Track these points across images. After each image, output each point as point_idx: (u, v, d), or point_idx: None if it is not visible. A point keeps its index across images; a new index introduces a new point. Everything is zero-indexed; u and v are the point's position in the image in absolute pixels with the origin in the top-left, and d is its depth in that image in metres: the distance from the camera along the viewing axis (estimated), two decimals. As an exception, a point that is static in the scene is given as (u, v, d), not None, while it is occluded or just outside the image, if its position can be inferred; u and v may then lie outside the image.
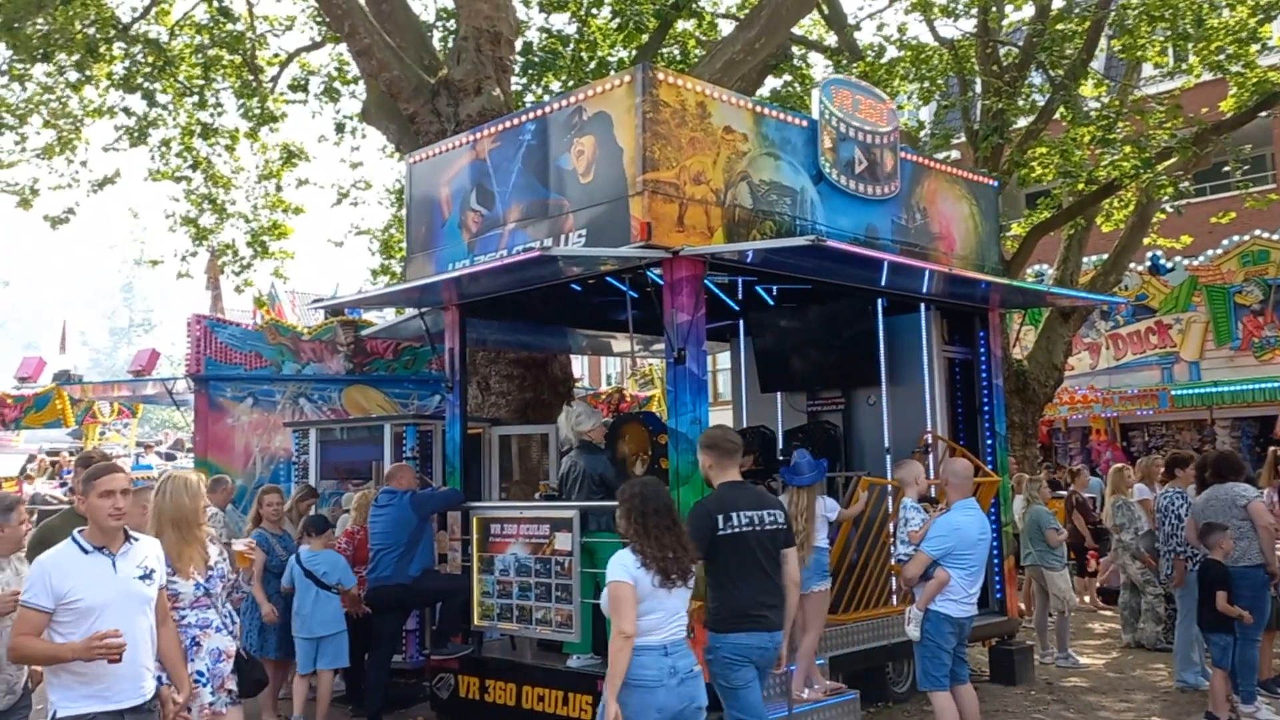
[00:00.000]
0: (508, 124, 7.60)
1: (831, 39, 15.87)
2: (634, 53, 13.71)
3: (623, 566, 4.28)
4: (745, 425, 10.31)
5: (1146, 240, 16.00)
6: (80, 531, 4.00)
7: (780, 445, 9.43)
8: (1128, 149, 12.94)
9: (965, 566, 5.98)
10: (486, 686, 7.29)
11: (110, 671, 3.77)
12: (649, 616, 4.22)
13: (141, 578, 4.01)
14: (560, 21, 15.01)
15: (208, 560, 4.86)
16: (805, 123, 7.52)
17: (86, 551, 3.94)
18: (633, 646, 4.14)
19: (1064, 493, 12.70)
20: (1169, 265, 19.60)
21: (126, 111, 14.82)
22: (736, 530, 4.84)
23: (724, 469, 5.04)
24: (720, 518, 4.85)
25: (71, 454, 23.29)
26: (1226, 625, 7.04)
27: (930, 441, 8.71)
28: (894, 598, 8.03)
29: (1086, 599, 13.06)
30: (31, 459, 21.47)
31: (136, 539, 4.12)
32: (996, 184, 9.74)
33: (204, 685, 4.71)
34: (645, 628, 4.21)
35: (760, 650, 4.83)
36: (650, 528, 4.33)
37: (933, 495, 7.39)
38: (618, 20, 13.52)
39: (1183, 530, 8.04)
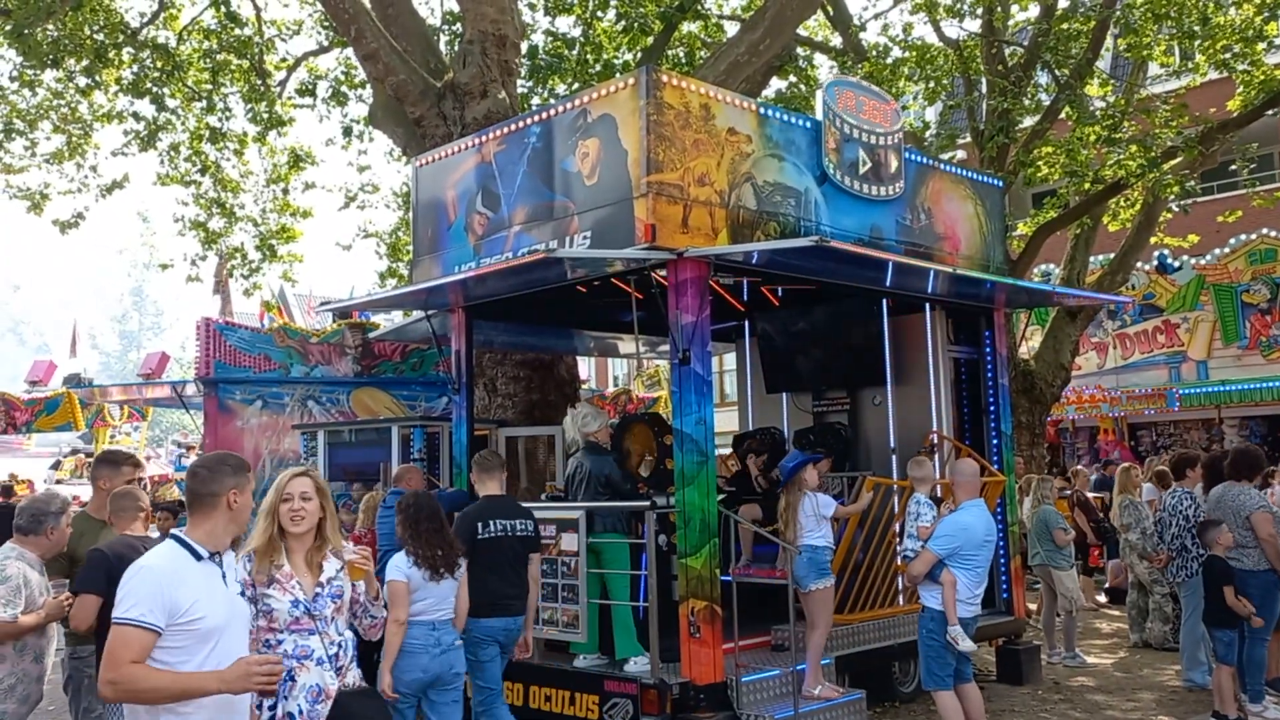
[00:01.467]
0: (513, 127, 7.64)
1: (836, 40, 15.88)
2: (639, 55, 13.75)
3: (397, 568, 5.26)
4: (752, 425, 10.34)
5: (1153, 239, 15.96)
6: (183, 530, 3.26)
7: (789, 446, 9.45)
8: (1134, 148, 12.93)
9: (970, 567, 5.99)
10: (494, 686, 7.31)
11: (236, 708, 3.18)
12: (422, 602, 5.21)
13: (241, 593, 3.36)
14: (565, 24, 15.12)
15: (320, 573, 3.75)
16: (809, 124, 7.55)
17: (200, 558, 3.18)
18: (405, 629, 5.13)
19: (1067, 491, 12.70)
20: (1176, 264, 19.55)
21: (135, 116, 14.94)
22: (493, 535, 5.90)
23: (485, 484, 6.21)
24: (480, 524, 5.91)
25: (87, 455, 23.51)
26: (1230, 621, 7.03)
27: (936, 441, 8.72)
28: (900, 598, 8.04)
29: (1101, 598, 13.06)
30: (60, 459, 21.64)
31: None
32: (1001, 184, 9.75)
33: None
34: (418, 610, 5.20)
35: (505, 632, 5.84)
36: (421, 532, 5.34)
37: (938, 495, 7.40)
38: (622, 23, 13.57)
39: (1190, 530, 8.03)
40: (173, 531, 3.26)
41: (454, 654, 5.30)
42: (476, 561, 5.67)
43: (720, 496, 7.00)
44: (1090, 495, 13.55)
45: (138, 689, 2.96)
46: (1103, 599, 13.14)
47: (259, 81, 15.08)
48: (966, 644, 5.91)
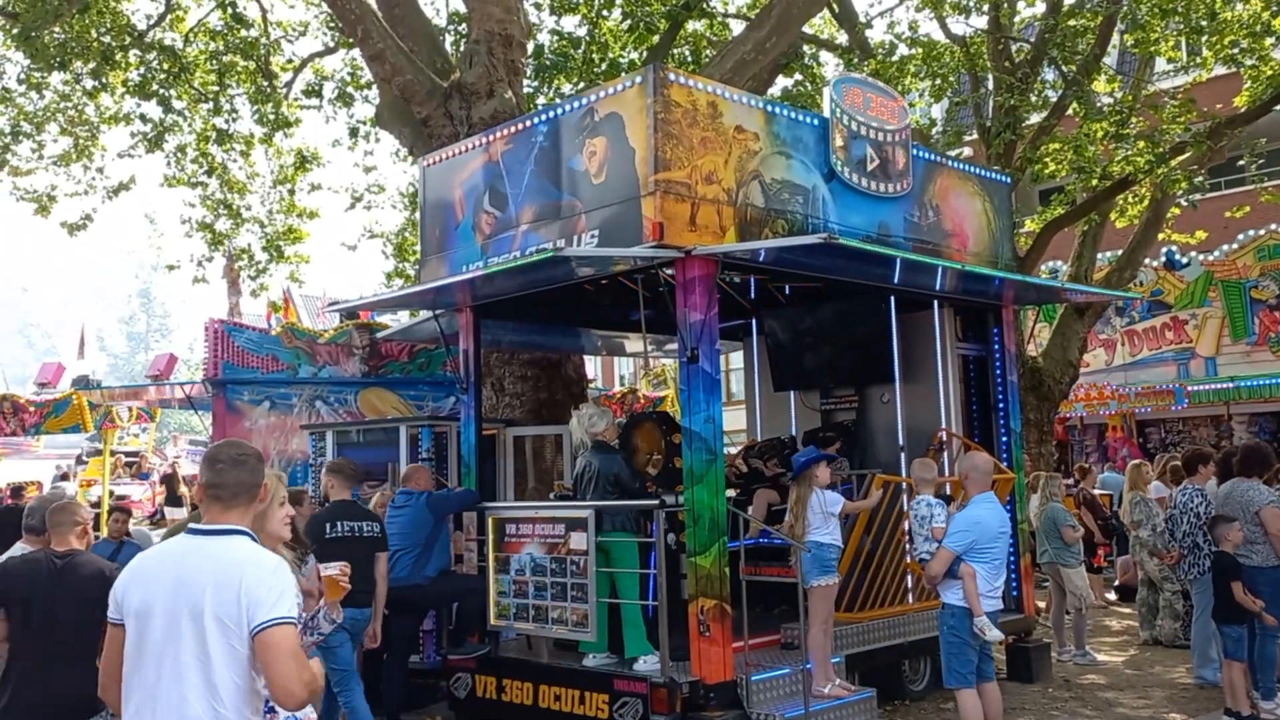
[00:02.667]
0: (520, 126, 7.64)
1: (842, 38, 15.84)
2: (645, 54, 13.74)
3: None
4: (760, 423, 10.36)
5: (1161, 235, 15.90)
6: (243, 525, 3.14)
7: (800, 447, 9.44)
8: (1141, 144, 12.87)
9: (988, 560, 5.94)
10: (503, 686, 7.32)
11: None
12: None
13: None
14: (571, 24, 15.11)
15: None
16: (816, 121, 7.53)
17: None
18: None
19: (1074, 489, 12.67)
20: (1184, 260, 19.47)
21: (142, 118, 14.95)
22: (340, 535, 6.66)
23: (339, 490, 7.01)
24: (329, 525, 6.70)
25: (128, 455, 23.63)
26: (1240, 617, 7.01)
27: (945, 439, 8.71)
28: (910, 595, 8.02)
29: (1110, 595, 13.03)
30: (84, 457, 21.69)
31: None
32: (1009, 180, 9.73)
33: None
34: None
35: (353, 621, 6.42)
36: None
37: (946, 493, 7.39)
38: (628, 22, 13.55)
39: (1201, 527, 8.00)
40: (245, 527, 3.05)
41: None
42: (325, 558, 5.79)
43: (731, 493, 7.00)
44: (1098, 493, 13.52)
45: (320, 683, 2.92)
46: (1112, 596, 13.10)
47: (265, 83, 15.10)
48: (994, 633, 5.84)
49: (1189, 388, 18.55)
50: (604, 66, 14.12)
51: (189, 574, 2.84)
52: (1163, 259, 19.43)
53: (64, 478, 21.65)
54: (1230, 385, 18.11)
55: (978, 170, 9.22)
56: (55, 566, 4.47)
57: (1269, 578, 7.19)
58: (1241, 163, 14.99)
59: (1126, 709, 7.70)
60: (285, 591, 2.82)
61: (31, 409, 14.92)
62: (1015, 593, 8.82)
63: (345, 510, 6.91)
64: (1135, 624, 10.69)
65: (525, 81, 11.96)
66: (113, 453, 19.88)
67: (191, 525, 3.03)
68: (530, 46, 12.74)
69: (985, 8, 14.31)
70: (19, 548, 4.94)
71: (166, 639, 2.79)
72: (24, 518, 5.08)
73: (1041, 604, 10.36)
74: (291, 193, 16.12)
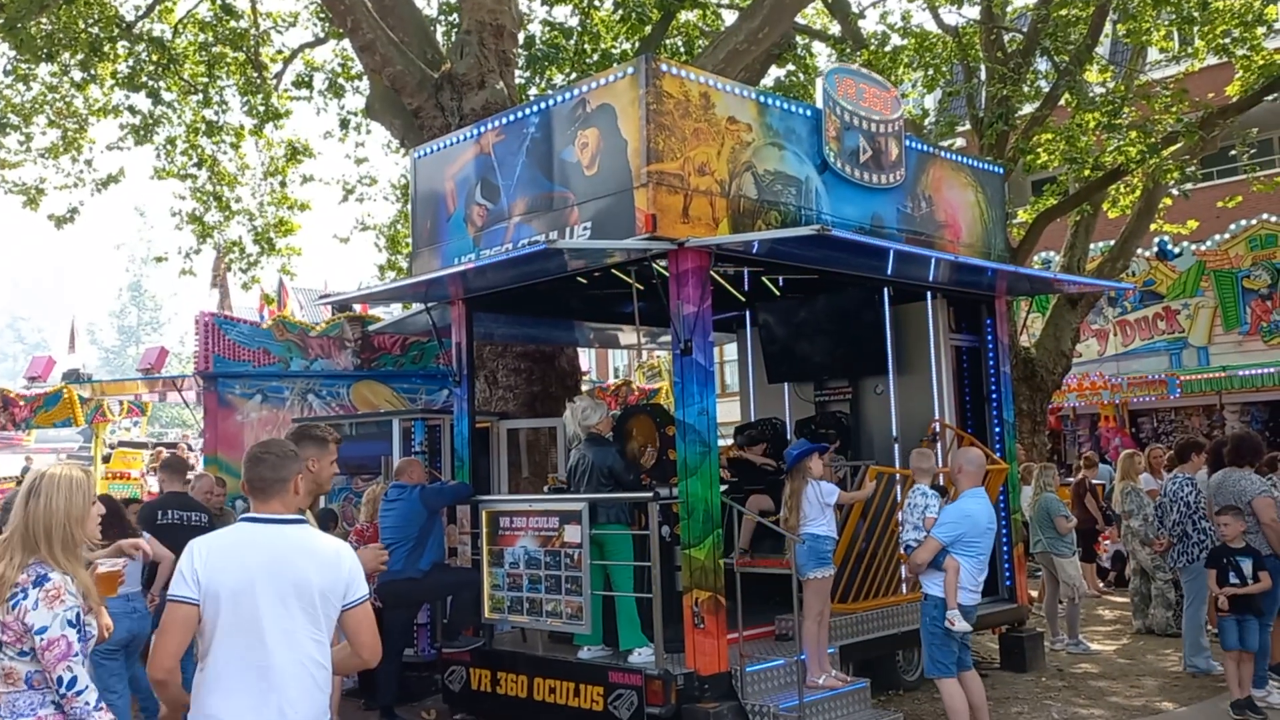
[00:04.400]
0: (512, 117, 7.60)
1: (835, 28, 15.81)
2: (637, 44, 13.69)
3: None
4: (754, 416, 10.34)
5: (1153, 226, 15.92)
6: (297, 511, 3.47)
7: (791, 436, 9.44)
8: (1133, 134, 12.89)
9: (973, 554, 6.00)
10: (498, 679, 7.32)
11: None
12: None
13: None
14: (562, 14, 15.04)
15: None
16: (809, 112, 7.51)
17: None
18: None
19: (1070, 480, 12.71)
20: (1176, 250, 19.52)
21: (131, 110, 14.86)
22: (169, 522, 7.09)
23: (172, 483, 7.70)
24: (160, 512, 7.20)
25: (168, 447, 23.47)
26: (1234, 608, 7.03)
27: (938, 430, 8.71)
28: (904, 586, 8.04)
29: (1100, 583, 13.08)
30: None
31: None
32: (1001, 171, 9.72)
33: None
34: None
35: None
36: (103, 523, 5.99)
37: (940, 484, 7.39)
38: (620, 12, 13.49)
39: (1191, 516, 8.02)
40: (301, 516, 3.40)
41: (145, 619, 6.39)
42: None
43: (723, 487, 6.98)
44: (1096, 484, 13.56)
45: None
46: (1102, 585, 13.15)
47: (255, 74, 15.01)
48: (962, 624, 5.95)
49: (1181, 377, 18.59)
50: (596, 57, 14.07)
51: (288, 555, 3.21)
52: (1155, 249, 19.48)
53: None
54: (1222, 375, 18.17)
55: (970, 161, 9.21)
56: None
57: (1262, 565, 7.21)
58: (1233, 152, 15.02)
59: (1119, 698, 7.73)
60: (363, 577, 3.34)
61: (22, 403, 14.86)
62: (1009, 582, 8.84)
63: (176, 500, 7.39)
64: (1128, 613, 10.73)
65: (517, 72, 11.90)
66: (154, 445, 19.77)
67: (255, 515, 3.30)
68: (521, 37, 12.69)
69: (977, -2, 14.30)
70: None
71: (270, 613, 3.13)
72: None
73: (1033, 593, 10.39)
74: (283, 185, 16.05)
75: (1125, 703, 7.59)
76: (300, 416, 10.59)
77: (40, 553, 3.24)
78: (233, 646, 3.11)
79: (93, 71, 13.88)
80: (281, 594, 3.14)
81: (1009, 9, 15.63)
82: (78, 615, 3.20)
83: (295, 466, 3.34)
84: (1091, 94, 13.80)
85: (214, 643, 3.12)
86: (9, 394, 15.12)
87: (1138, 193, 14.80)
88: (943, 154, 8.91)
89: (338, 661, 3.29)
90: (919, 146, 8.58)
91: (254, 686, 3.09)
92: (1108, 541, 13.29)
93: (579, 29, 14.24)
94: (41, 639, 3.13)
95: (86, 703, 3.17)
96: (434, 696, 8.10)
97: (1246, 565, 7.04)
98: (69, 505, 3.32)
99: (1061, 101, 13.75)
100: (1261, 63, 13.08)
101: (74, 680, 3.15)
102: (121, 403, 17.33)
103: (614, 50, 14.19)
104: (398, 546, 7.43)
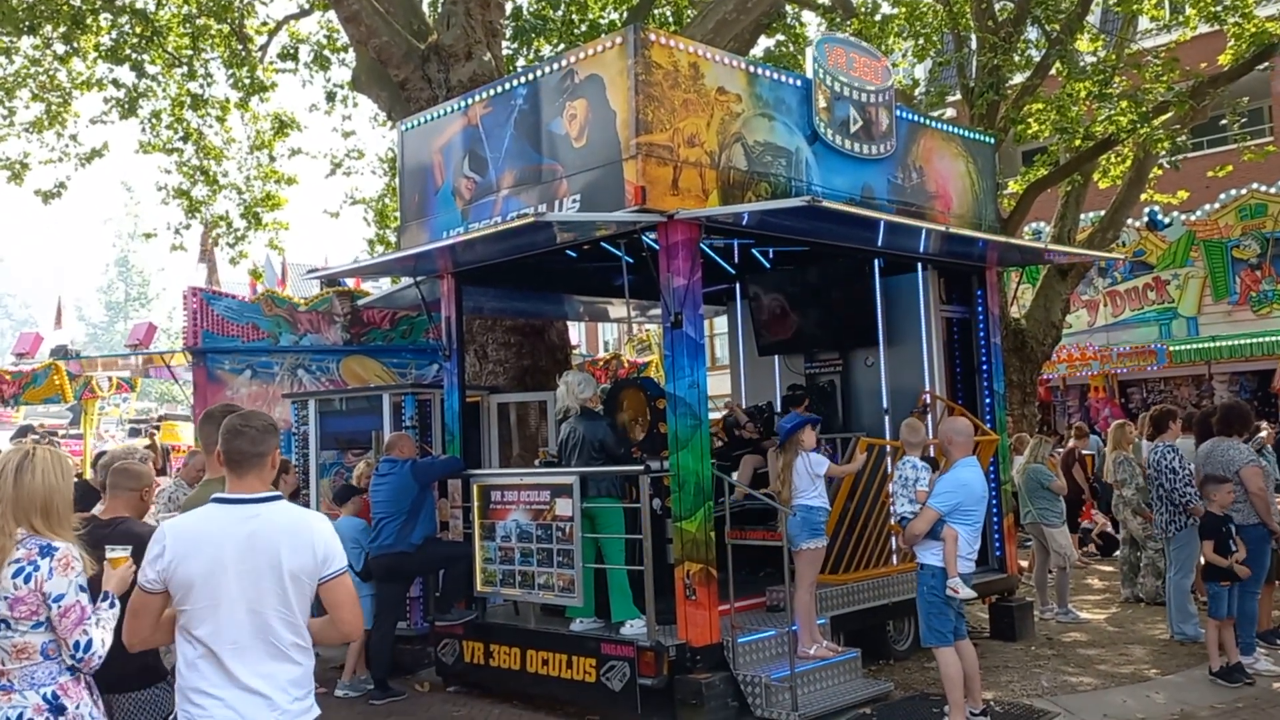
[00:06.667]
0: (499, 89, 7.54)
1: (825, -3, 15.68)
2: (625, 14, 13.57)
3: None
4: (744, 388, 10.37)
5: (1144, 196, 15.91)
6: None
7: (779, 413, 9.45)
8: (1124, 104, 12.84)
9: (970, 522, 5.99)
10: (491, 651, 7.35)
11: None
12: None
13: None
14: (550, -16, 14.80)
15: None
16: (799, 82, 7.46)
17: None
18: None
19: (1059, 449, 12.77)
20: (1166, 221, 19.53)
21: (115, 83, 14.69)
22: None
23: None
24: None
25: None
26: (1220, 575, 7.09)
27: (929, 401, 8.72)
28: (894, 557, 8.07)
29: (1088, 547, 13.17)
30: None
31: None
32: (992, 141, 9.68)
33: None
34: None
35: None
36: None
37: (930, 456, 7.41)
38: (608, -19, 13.37)
39: (1179, 483, 8.05)
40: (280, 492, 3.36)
41: None
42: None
43: (716, 445, 7.02)
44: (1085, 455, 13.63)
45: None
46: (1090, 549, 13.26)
47: (240, 46, 14.83)
48: (967, 591, 5.93)
49: (1170, 347, 18.66)
50: (584, 28, 13.94)
51: (261, 535, 3.13)
52: (1145, 219, 19.48)
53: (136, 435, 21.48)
54: (1211, 344, 18.24)
55: (961, 131, 9.17)
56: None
57: (1249, 536, 7.27)
58: (1224, 122, 14.98)
59: (1108, 665, 7.80)
60: (341, 551, 3.25)
61: (9, 379, 14.78)
62: (999, 552, 8.89)
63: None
64: (1117, 582, 10.80)
65: (504, 44, 11.80)
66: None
67: (226, 495, 3.21)
68: (509, 8, 12.55)
69: (969, -34, 14.17)
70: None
71: (243, 595, 3.08)
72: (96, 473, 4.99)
73: (1023, 563, 10.45)
74: (270, 158, 15.91)
75: (1113, 670, 7.65)
76: (290, 392, 10.55)
77: (34, 525, 3.29)
78: (209, 628, 3.09)
79: (75, 44, 13.71)
80: (255, 575, 3.09)
81: (1000, -23, 15.51)
82: (85, 580, 3.29)
83: (274, 441, 3.28)
84: (1082, 63, 13.74)
85: (190, 625, 3.10)
86: (-4, 370, 15.03)
87: (1128, 163, 14.78)
88: (933, 124, 8.87)
89: (316, 632, 3.24)
90: (909, 116, 8.53)
91: (232, 667, 3.08)
92: (1094, 512, 13.37)
93: (566, -1, 14.10)
94: (59, 606, 3.22)
95: (99, 655, 3.29)
96: (427, 669, 8.13)
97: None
98: (63, 483, 3.40)
99: (1052, 71, 13.68)
100: (1253, 31, 13.01)
101: (89, 643, 3.27)
102: (111, 378, 17.24)
103: (602, 20, 14.06)
104: (389, 520, 7.45)
